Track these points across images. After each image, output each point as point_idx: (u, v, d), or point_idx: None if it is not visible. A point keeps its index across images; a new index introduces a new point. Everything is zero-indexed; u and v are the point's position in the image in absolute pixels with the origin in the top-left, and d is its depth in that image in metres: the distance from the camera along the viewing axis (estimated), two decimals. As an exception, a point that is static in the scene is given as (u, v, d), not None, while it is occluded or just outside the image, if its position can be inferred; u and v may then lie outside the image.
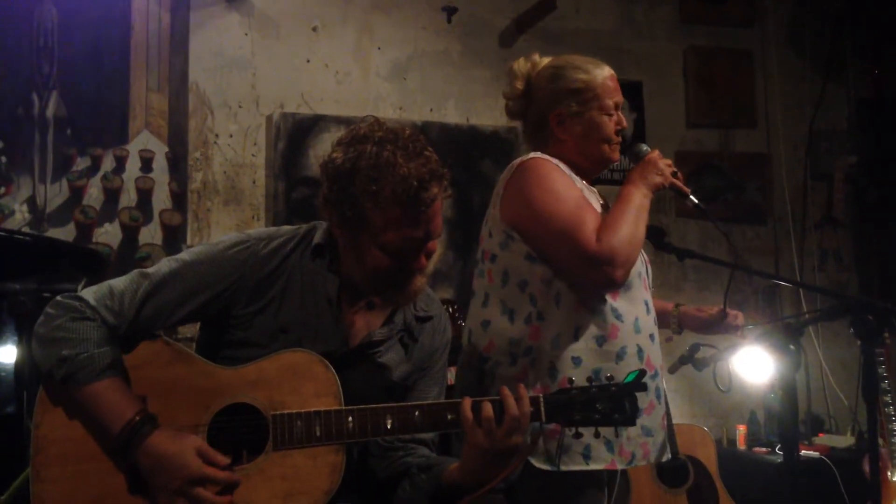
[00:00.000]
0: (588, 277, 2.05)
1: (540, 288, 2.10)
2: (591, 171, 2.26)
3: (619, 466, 2.09)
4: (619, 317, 2.10)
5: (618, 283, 2.06)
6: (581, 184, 2.19)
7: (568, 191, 2.09)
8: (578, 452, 2.04)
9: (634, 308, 2.14)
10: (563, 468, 2.03)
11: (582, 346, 2.07)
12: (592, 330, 2.08)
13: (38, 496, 1.70)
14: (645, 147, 2.27)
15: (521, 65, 2.29)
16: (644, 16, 4.68)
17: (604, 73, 2.23)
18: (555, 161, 2.15)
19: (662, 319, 2.41)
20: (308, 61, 4.08)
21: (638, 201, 2.12)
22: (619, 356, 2.08)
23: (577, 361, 2.05)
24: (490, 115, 4.32)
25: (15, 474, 2.11)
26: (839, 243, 4.89)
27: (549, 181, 2.10)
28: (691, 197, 2.24)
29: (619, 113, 2.25)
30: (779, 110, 4.80)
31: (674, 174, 2.21)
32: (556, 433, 2.01)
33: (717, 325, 2.41)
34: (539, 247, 2.10)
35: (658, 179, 2.18)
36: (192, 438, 1.72)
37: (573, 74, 2.22)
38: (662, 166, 2.20)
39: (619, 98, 2.25)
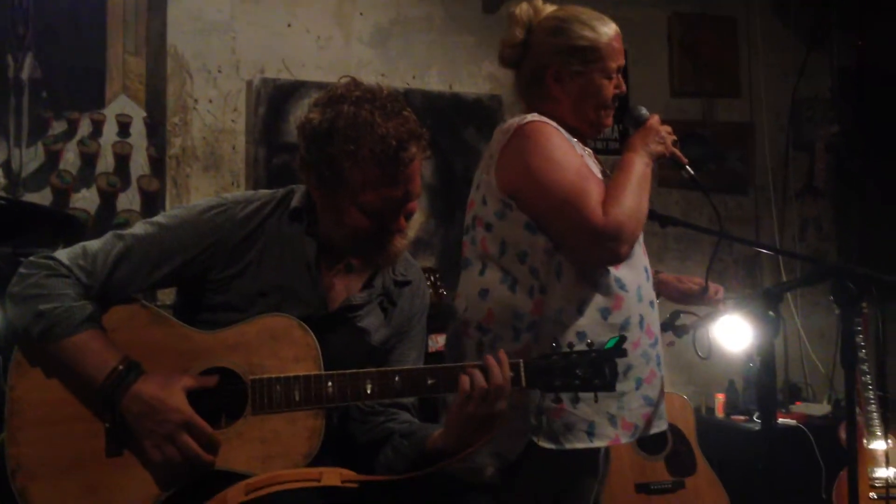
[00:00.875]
0: (592, 253, 1.97)
1: (542, 259, 2.01)
2: (584, 134, 2.16)
3: (623, 440, 2.05)
4: (623, 286, 2.04)
5: (622, 259, 2.00)
6: (581, 149, 2.10)
7: (569, 158, 1.99)
8: (583, 430, 1.99)
9: (636, 276, 2.08)
10: (568, 446, 1.99)
11: (586, 320, 2.00)
12: (597, 301, 2.01)
13: (13, 458, 1.69)
14: (644, 111, 2.18)
15: (522, 10, 2.15)
16: (628, -18, 4.65)
17: (610, 33, 2.11)
18: (554, 125, 2.04)
19: None
20: (289, 26, 4.02)
21: (640, 170, 2.03)
22: (623, 327, 2.02)
23: (581, 336, 1.97)
24: (473, 82, 4.28)
25: (-9, 439, 2.09)
26: (820, 212, 4.91)
27: (550, 147, 1.99)
28: (687, 168, 2.17)
29: (620, 77, 2.15)
30: (762, 79, 4.79)
31: (674, 143, 2.13)
32: (559, 412, 1.98)
33: (697, 299, 2.41)
34: (539, 218, 2.01)
35: (660, 148, 2.09)
36: (179, 380, 1.70)
37: (579, 30, 2.10)
38: (664, 133, 2.11)
39: (622, 61, 2.13)
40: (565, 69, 2.10)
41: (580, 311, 2.00)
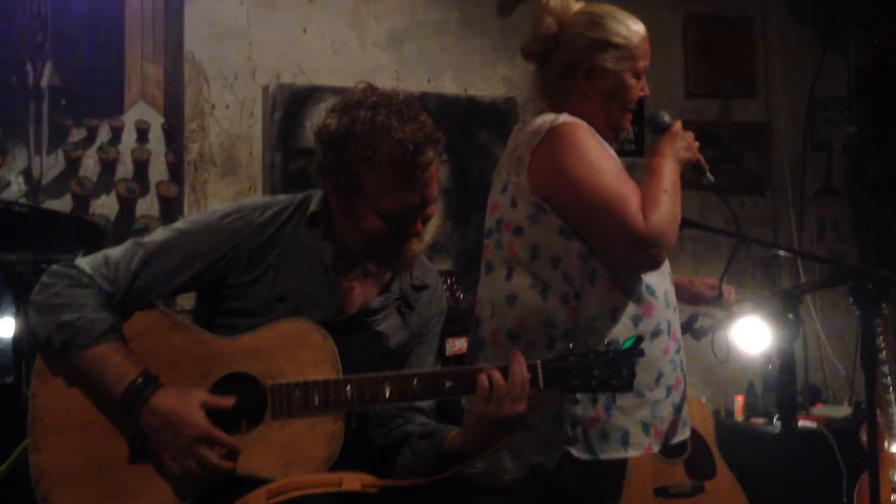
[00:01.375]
0: (633, 259, 1.93)
1: (577, 265, 1.97)
2: (604, 136, 2.08)
3: (655, 449, 2.04)
4: (653, 293, 2.02)
5: (659, 266, 1.98)
6: (611, 151, 2.06)
7: (607, 161, 1.96)
8: (617, 440, 1.97)
9: (663, 281, 2.07)
10: (603, 456, 1.97)
11: (620, 329, 1.97)
12: (629, 309, 1.99)
13: (36, 466, 1.70)
14: (667, 117, 2.15)
15: (556, 2, 2.08)
16: (643, -16, 4.64)
17: (641, 33, 2.08)
18: (587, 126, 2.00)
19: None
20: (304, 31, 4.04)
21: (672, 175, 2.00)
22: (654, 335, 2.00)
23: (610, 345, 1.90)
24: (488, 85, 4.29)
25: (13, 445, 2.11)
26: (837, 213, 4.87)
27: (587, 149, 1.95)
28: (708, 175, 2.16)
29: (644, 80, 2.12)
30: (778, 79, 4.76)
31: (698, 149, 2.12)
32: (595, 421, 1.97)
33: (710, 301, 2.39)
34: (575, 222, 1.97)
35: (687, 154, 2.07)
36: (196, 395, 1.71)
37: (614, 27, 2.05)
38: (690, 140, 2.09)
39: (648, 62, 2.11)
40: (599, 64, 2.05)
41: (614, 319, 1.98)
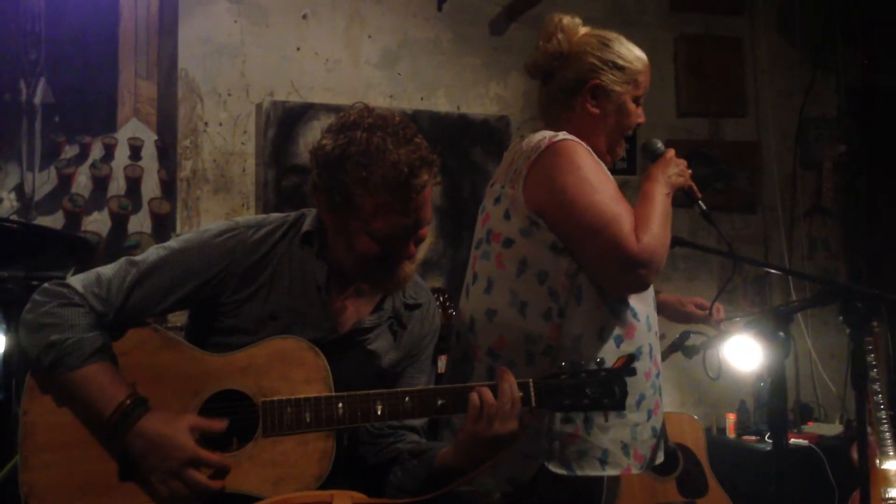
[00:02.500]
0: (623, 279, 1.96)
1: (563, 282, 1.99)
2: (601, 159, 2.10)
3: (634, 471, 2.04)
4: (636, 315, 2.05)
5: (646, 287, 2.02)
6: (607, 172, 2.08)
7: (604, 181, 1.99)
8: (596, 458, 1.98)
9: (646, 306, 2.09)
10: (580, 473, 1.98)
11: (606, 347, 2.00)
12: (613, 330, 2.02)
13: (26, 483, 1.70)
14: (661, 145, 2.19)
15: (566, 21, 2.13)
16: (634, 3, 4.67)
17: (645, 61, 2.14)
18: (585, 145, 2.03)
19: None
20: (298, 49, 4.06)
21: (662, 200, 2.03)
22: (636, 356, 2.00)
23: (601, 363, 1.91)
24: (480, 103, 4.31)
25: (3, 462, 2.10)
26: (828, 232, 4.90)
27: (585, 168, 1.98)
28: (700, 203, 2.20)
29: (641, 108, 2.17)
30: (769, 98, 4.80)
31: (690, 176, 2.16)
32: (573, 438, 1.98)
33: (698, 320, 2.41)
34: (569, 239, 1.99)
35: (680, 180, 2.11)
36: (185, 418, 1.71)
37: (622, 50, 2.11)
38: (682, 167, 2.13)
39: (646, 92, 2.17)
40: (605, 84, 2.09)
41: (601, 338, 2.00)
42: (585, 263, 1.99)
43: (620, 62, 2.10)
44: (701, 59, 4.72)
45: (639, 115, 2.15)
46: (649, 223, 1.96)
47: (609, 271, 1.96)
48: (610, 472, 2.01)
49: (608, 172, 2.05)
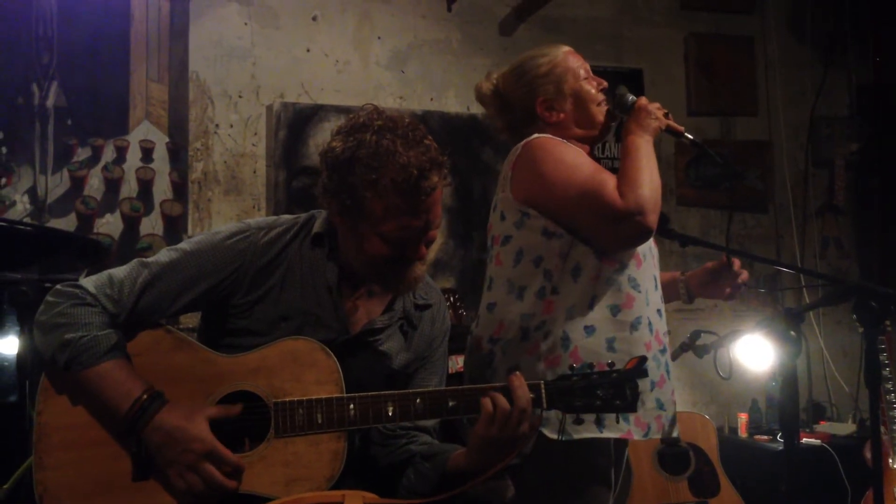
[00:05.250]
0: (620, 234, 2.03)
1: (556, 263, 2.09)
2: (593, 138, 2.26)
3: (636, 437, 2.07)
4: (636, 286, 2.11)
5: (652, 230, 2.04)
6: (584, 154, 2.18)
7: (578, 157, 2.10)
8: (592, 421, 1.99)
9: (647, 281, 2.15)
10: (577, 437, 2.00)
11: (597, 316, 2.07)
12: (608, 299, 2.08)
13: (41, 483, 1.71)
14: (631, 96, 2.25)
15: (484, 87, 2.34)
16: (644, 2, 4.67)
17: (563, 49, 2.26)
18: (559, 139, 2.16)
19: (670, 290, 2.40)
20: (308, 51, 4.07)
21: (644, 147, 2.11)
22: (634, 326, 2.08)
23: (589, 330, 2.05)
24: (490, 103, 4.31)
25: (18, 463, 2.11)
26: (840, 230, 4.88)
27: (559, 153, 2.09)
28: (686, 135, 2.25)
29: (594, 76, 2.26)
30: (780, 97, 4.79)
31: (665, 115, 2.21)
32: None
33: (725, 277, 2.37)
34: (561, 217, 2.09)
35: (655, 124, 2.17)
36: (202, 411, 1.72)
37: (535, 62, 2.25)
38: (654, 110, 2.19)
39: (586, 64, 2.27)
40: (548, 94, 2.22)
41: (590, 307, 2.07)
42: (583, 235, 2.08)
43: (542, 70, 2.23)
44: (712, 57, 4.71)
45: (597, 84, 2.25)
46: (631, 177, 2.04)
47: (603, 232, 2.05)
48: (608, 434, 2.02)
49: (585, 154, 2.15)
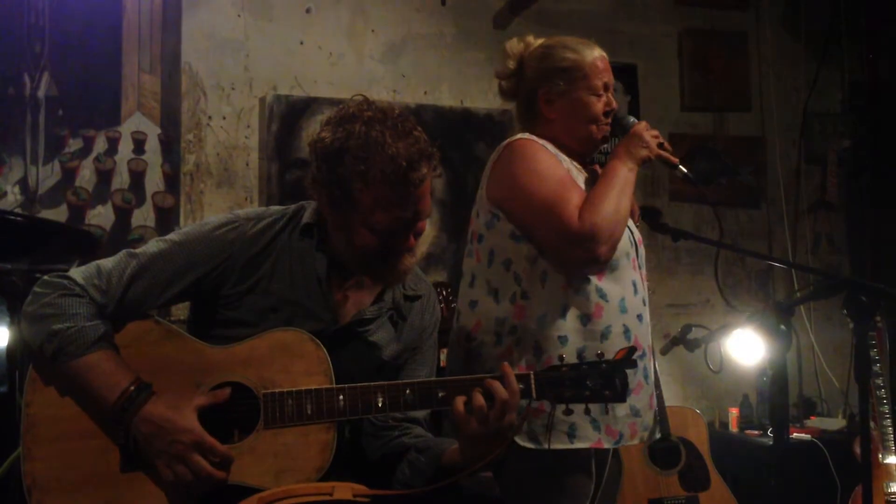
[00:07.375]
0: (571, 255, 2.04)
1: (525, 267, 2.09)
2: (580, 151, 2.24)
3: (606, 445, 2.08)
4: (603, 296, 2.09)
5: (601, 261, 2.05)
6: (570, 164, 2.18)
7: (551, 169, 2.09)
8: (563, 431, 2.02)
9: (621, 288, 2.12)
10: (547, 446, 2.01)
11: (569, 326, 2.06)
12: (577, 309, 2.07)
13: (29, 475, 1.70)
14: (632, 119, 2.24)
15: (513, 45, 2.29)
16: (639, -2, 4.67)
17: (594, 54, 2.22)
18: (542, 142, 2.15)
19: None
20: (301, 43, 4.06)
21: (623, 175, 2.10)
22: (604, 335, 2.08)
23: (562, 340, 2.05)
24: (484, 97, 4.31)
25: (6, 454, 2.11)
26: (832, 227, 4.90)
27: (534, 161, 2.09)
28: (680, 167, 2.23)
29: (609, 95, 2.23)
30: (773, 93, 4.79)
31: (660, 145, 2.19)
32: (540, 412, 2.00)
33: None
34: (522, 225, 2.10)
35: (643, 153, 2.16)
36: (190, 402, 1.71)
37: (562, 53, 2.22)
38: (648, 138, 2.17)
39: (609, 79, 2.23)
40: (554, 89, 2.20)
41: (563, 316, 2.07)
42: (539, 246, 2.09)
43: (563, 65, 2.20)
44: (705, 53, 4.71)
45: (605, 103, 2.22)
46: (596, 200, 2.04)
47: (557, 250, 2.06)
48: (578, 444, 2.04)
49: (561, 164, 2.14)
